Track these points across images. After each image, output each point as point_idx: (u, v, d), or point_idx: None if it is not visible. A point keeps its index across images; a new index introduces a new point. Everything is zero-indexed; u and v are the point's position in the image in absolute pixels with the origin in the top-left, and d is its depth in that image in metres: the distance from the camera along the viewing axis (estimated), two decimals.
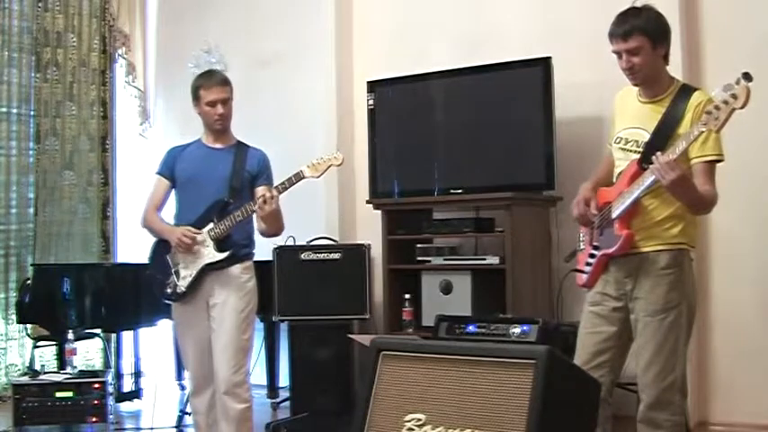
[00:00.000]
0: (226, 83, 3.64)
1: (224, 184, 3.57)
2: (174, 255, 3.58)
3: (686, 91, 2.82)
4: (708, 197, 2.72)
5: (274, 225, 3.57)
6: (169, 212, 3.74)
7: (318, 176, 3.53)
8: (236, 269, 3.58)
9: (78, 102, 6.13)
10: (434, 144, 4.88)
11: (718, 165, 2.76)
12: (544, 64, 4.46)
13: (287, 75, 5.86)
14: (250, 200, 3.55)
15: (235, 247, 3.55)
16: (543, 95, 4.46)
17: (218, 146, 3.67)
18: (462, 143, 4.78)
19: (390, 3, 5.53)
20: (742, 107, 2.41)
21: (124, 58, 6.41)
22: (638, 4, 2.90)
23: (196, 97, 3.62)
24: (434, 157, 4.87)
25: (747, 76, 2.40)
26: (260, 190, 3.57)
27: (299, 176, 3.47)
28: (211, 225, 3.53)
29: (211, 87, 3.58)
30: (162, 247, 3.63)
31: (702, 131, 2.53)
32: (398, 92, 5.02)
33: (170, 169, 3.68)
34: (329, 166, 3.53)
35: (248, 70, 5.99)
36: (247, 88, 5.89)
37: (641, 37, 2.76)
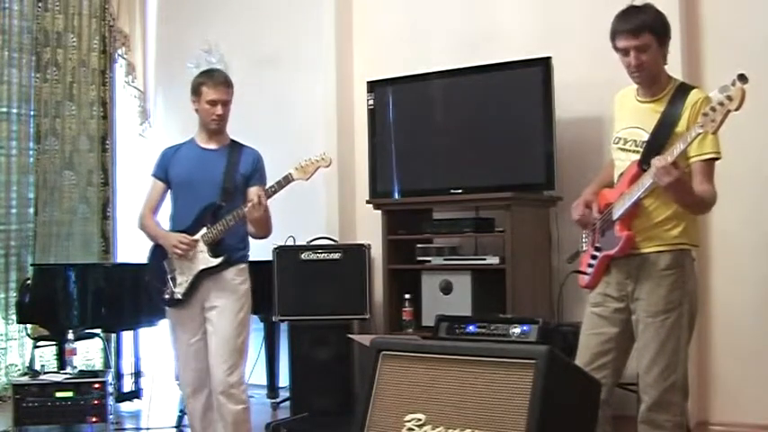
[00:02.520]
0: (229, 85, 3.65)
1: (217, 187, 3.56)
2: (169, 261, 3.59)
3: (684, 89, 2.82)
4: (706, 197, 2.72)
5: (262, 229, 3.58)
6: (165, 214, 3.74)
7: (307, 179, 3.51)
8: (230, 273, 3.58)
9: (78, 102, 6.13)
10: (434, 144, 4.88)
11: (719, 164, 2.77)
12: (544, 64, 4.46)
13: (287, 75, 5.86)
14: (243, 201, 3.54)
15: (229, 250, 3.55)
16: (543, 95, 4.46)
17: (211, 146, 3.66)
18: (462, 143, 4.77)
19: (390, 3, 5.53)
20: (737, 109, 2.40)
21: (124, 58, 6.41)
22: (638, 3, 2.90)
23: (198, 93, 3.61)
24: (434, 156, 4.87)
25: (743, 78, 2.40)
26: (252, 191, 3.56)
27: (287, 179, 3.47)
28: (204, 230, 3.53)
29: (216, 87, 3.58)
30: (158, 252, 3.64)
31: (699, 133, 2.53)
32: (398, 92, 5.02)
33: (164, 171, 3.69)
34: (317, 168, 3.51)
35: (248, 70, 5.99)
36: (247, 88, 5.88)
37: (650, 34, 2.75)
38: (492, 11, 5.06)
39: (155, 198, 3.71)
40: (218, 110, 3.58)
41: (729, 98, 2.40)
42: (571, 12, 4.72)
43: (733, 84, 2.41)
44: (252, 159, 3.66)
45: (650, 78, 2.82)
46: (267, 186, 3.50)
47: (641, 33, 2.74)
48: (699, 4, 4.41)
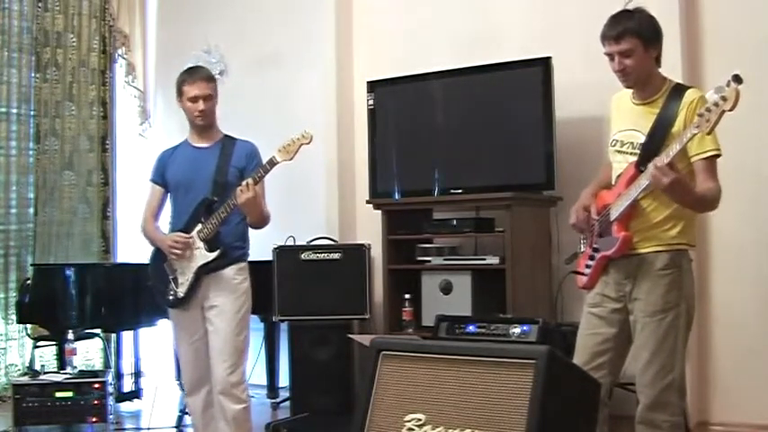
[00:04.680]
0: (210, 79, 3.63)
1: (210, 183, 3.56)
2: (170, 263, 3.59)
3: (679, 90, 2.83)
4: (710, 195, 2.73)
5: (254, 213, 3.50)
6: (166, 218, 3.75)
7: (291, 158, 3.43)
8: (229, 271, 3.57)
9: (78, 102, 6.13)
10: (434, 144, 4.88)
11: (719, 163, 2.77)
12: (544, 64, 4.46)
13: (287, 75, 5.86)
14: None
15: (227, 247, 3.53)
16: (543, 95, 4.46)
17: (203, 144, 3.66)
18: (462, 143, 4.77)
19: (390, 3, 5.53)
20: (731, 109, 2.42)
21: (124, 58, 6.41)
22: (630, 7, 2.91)
23: (180, 92, 3.62)
24: (434, 157, 4.87)
25: (737, 79, 2.41)
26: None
27: (272, 163, 3.42)
28: (199, 226, 3.52)
29: (195, 83, 3.57)
30: (160, 256, 3.64)
31: (695, 134, 2.54)
32: (398, 92, 5.02)
33: (161, 175, 3.69)
34: (300, 146, 3.43)
35: (248, 70, 6.01)
36: (247, 88, 5.91)
37: (633, 39, 2.77)
38: (492, 11, 5.06)
39: (155, 203, 3.71)
40: (200, 105, 3.56)
41: (724, 98, 2.42)
42: (571, 12, 4.72)
43: (728, 84, 2.43)
44: (246, 152, 3.64)
45: (639, 82, 2.84)
46: (253, 173, 3.44)
47: (622, 39, 2.76)
48: (699, 4, 4.41)
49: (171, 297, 3.58)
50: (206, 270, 3.53)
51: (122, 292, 4.97)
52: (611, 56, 2.82)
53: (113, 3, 6.31)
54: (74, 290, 4.88)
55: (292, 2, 5.88)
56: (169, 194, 3.70)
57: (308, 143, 3.46)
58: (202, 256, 3.52)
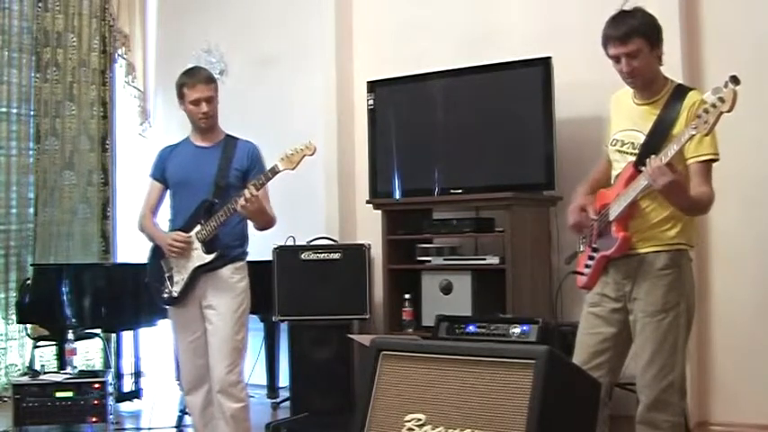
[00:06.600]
0: (210, 80, 3.61)
1: (211, 185, 3.55)
2: (167, 260, 3.59)
3: (681, 91, 2.81)
4: (703, 199, 2.72)
5: (261, 220, 3.53)
6: (165, 215, 3.75)
7: (293, 168, 3.40)
8: (227, 270, 3.57)
9: (78, 102, 6.13)
10: (434, 144, 4.88)
11: (718, 164, 2.76)
12: (544, 64, 4.46)
13: (287, 75, 5.86)
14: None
15: (224, 248, 3.53)
16: (543, 95, 4.46)
17: (205, 144, 3.65)
18: (462, 143, 4.77)
19: (390, 3, 5.53)
20: (729, 110, 2.41)
21: (124, 58, 6.41)
22: (627, 7, 2.88)
23: (180, 95, 3.61)
24: (434, 157, 4.87)
25: (735, 80, 2.40)
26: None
27: (274, 171, 3.40)
28: (198, 227, 3.52)
29: (195, 85, 3.55)
30: (157, 253, 3.64)
31: (693, 134, 2.53)
32: (398, 92, 5.02)
33: (161, 172, 3.69)
34: (303, 157, 3.40)
35: (248, 70, 6.01)
36: (247, 88, 5.91)
37: (640, 39, 2.73)
38: (492, 11, 5.06)
39: (153, 199, 3.71)
40: (203, 107, 3.56)
41: (721, 100, 2.41)
42: (571, 12, 4.72)
43: (725, 86, 2.42)
44: (246, 153, 3.63)
45: (645, 82, 2.81)
46: (254, 180, 3.44)
47: (630, 40, 2.72)
48: (699, 4, 4.41)
49: (166, 295, 3.59)
50: (202, 270, 3.53)
51: (122, 292, 4.97)
52: (616, 58, 2.77)
53: (113, 3, 6.31)
54: (74, 290, 4.88)
55: (292, 1, 5.88)
56: (168, 192, 3.70)
57: (311, 155, 3.44)
58: (199, 257, 3.52)
